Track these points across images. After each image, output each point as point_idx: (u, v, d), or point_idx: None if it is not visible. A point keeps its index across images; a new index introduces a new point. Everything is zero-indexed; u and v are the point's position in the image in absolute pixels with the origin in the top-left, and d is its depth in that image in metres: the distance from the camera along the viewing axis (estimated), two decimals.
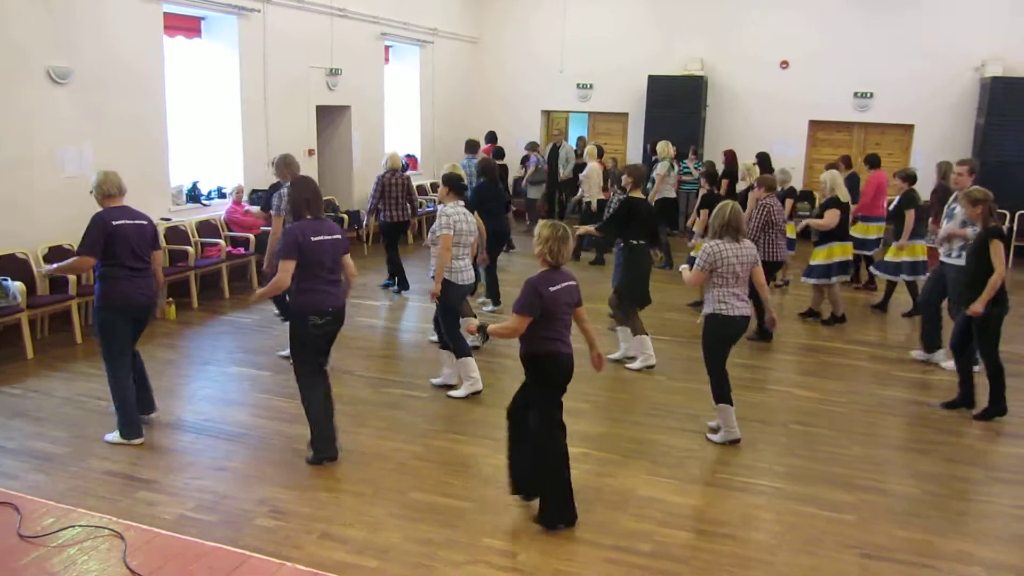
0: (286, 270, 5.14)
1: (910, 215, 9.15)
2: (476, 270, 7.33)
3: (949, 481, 5.58)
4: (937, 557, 4.59)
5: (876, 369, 7.86)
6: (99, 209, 5.62)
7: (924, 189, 9.68)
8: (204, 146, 10.94)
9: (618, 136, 16.68)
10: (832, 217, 9.03)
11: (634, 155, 16.03)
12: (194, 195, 10.45)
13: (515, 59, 17.13)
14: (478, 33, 17.30)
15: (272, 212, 7.63)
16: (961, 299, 6.75)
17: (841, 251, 9.18)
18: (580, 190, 13.03)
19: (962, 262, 7.16)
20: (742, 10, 15.43)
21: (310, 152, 12.34)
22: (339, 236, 5.42)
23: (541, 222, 4.82)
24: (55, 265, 6.19)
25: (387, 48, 14.50)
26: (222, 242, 9.98)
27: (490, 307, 9.40)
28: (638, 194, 7.73)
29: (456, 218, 6.62)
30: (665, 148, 12.80)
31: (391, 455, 5.67)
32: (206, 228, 10.07)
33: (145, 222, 5.75)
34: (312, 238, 5.22)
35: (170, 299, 9.06)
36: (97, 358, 7.42)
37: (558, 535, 4.68)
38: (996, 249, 6.40)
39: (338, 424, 5.64)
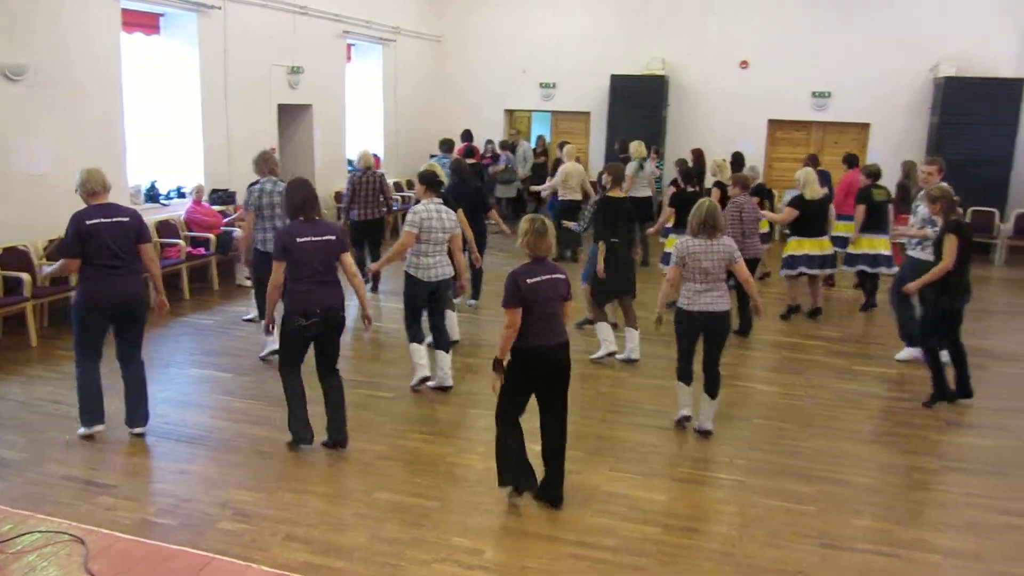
0: (277, 271, 5.39)
1: (859, 210, 9.50)
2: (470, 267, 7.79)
3: (907, 472, 5.70)
4: (896, 545, 4.69)
5: (837, 364, 7.99)
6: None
7: (889, 186, 9.91)
8: (163, 145, 10.78)
9: (581, 135, 16.74)
10: (788, 214, 9.29)
11: (596, 154, 16.11)
12: (153, 195, 10.30)
13: (478, 58, 17.13)
14: (441, 32, 17.26)
15: (245, 208, 7.73)
16: (923, 293, 7.00)
17: (812, 245, 9.36)
18: (547, 184, 12.99)
19: (922, 254, 7.52)
20: (703, 11, 15.57)
21: (272, 151, 12.22)
22: (332, 237, 5.51)
23: (524, 217, 4.97)
24: (49, 268, 6.18)
25: (349, 46, 14.42)
26: (182, 242, 9.85)
27: (471, 300, 9.54)
28: (617, 193, 7.86)
29: (424, 215, 6.61)
30: (638, 148, 12.85)
31: (356, 456, 5.65)
32: (165, 228, 9.92)
33: (127, 218, 5.69)
34: (298, 239, 5.35)
35: None
36: (54, 360, 7.37)
37: (525, 534, 4.70)
38: (949, 242, 6.67)
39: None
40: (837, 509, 5.10)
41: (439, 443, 5.93)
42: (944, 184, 7.18)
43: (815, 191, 9.34)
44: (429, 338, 7.07)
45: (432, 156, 14.84)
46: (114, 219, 5.60)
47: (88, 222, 5.47)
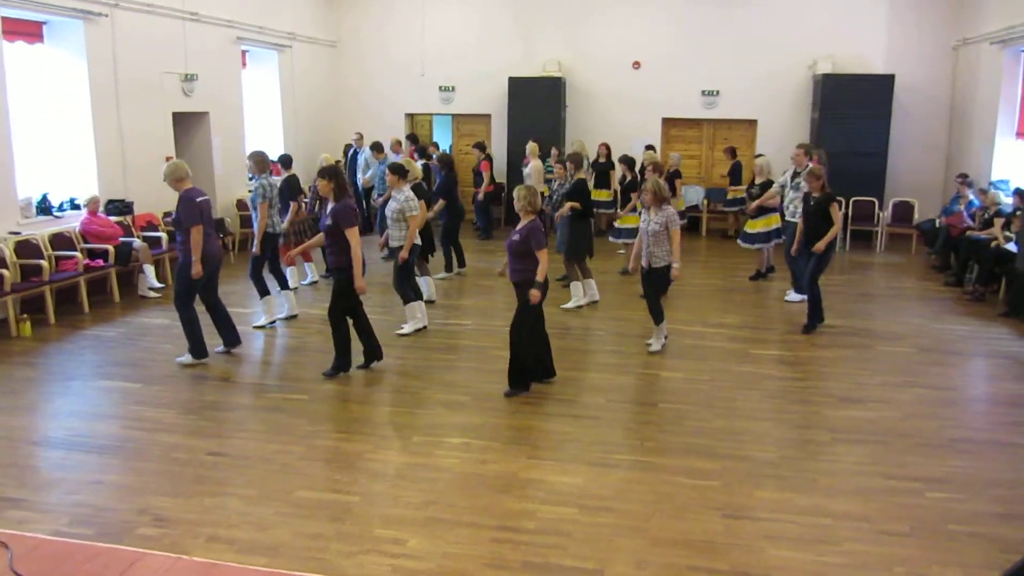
0: (355, 234, 7.06)
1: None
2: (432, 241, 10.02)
3: (801, 445, 6.07)
4: (793, 512, 5.01)
5: (734, 348, 8.39)
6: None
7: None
8: (53, 156, 10.42)
9: (483, 137, 16.91)
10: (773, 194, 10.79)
11: (499, 155, 16.32)
12: (45, 207, 9.96)
13: (375, 63, 17.12)
14: (336, 37, 17.19)
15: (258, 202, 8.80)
16: (803, 247, 9.10)
17: (773, 221, 11.06)
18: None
19: (795, 220, 9.71)
20: (596, 13, 15.99)
21: (168, 159, 11.92)
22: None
23: (519, 186, 6.91)
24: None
25: (244, 53, 14.22)
26: (79, 255, 9.57)
27: (442, 274, 11.26)
28: (581, 175, 10.14)
29: (413, 200, 8.51)
30: (534, 148, 14.03)
31: (275, 457, 5.67)
32: (60, 241, 9.63)
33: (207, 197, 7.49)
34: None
35: (24, 316, 8.63)
36: None
37: (447, 522, 4.82)
38: (835, 210, 8.70)
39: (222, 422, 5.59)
40: (739, 483, 5.41)
41: (356, 441, 6.00)
42: (819, 166, 9.22)
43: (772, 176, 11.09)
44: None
45: (337, 161, 15.24)
46: (206, 197, 7.43)
47: (198, 199, 7.26)
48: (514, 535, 4.70)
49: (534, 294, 6.63)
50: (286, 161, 11.37)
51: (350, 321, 7.31)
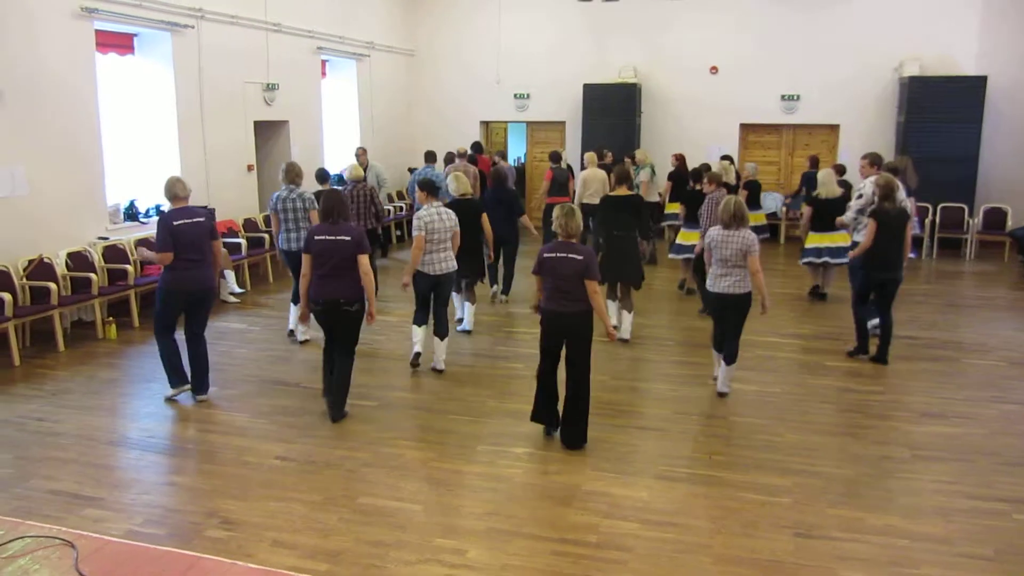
0: (305, 263, 6.39)
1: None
2: (484, 264, 9.18)
3: (878, 462, 5.84)
4: (868, 532, 4.83)
5: (808, 360, 8.15)
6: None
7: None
8: (141, 164, 10.83)
9: (557, 144, 16.88)
10: (807, 211, 10.30)
11: (573, 162, 16.23)
12: (132, 213, 10.35)
13: (452, 71, 17.28)
14: (414, 46, 17.41)
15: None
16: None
17: (822, 239, 10.24)
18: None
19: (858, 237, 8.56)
20: (672, 18, 15.82)
21: (249, 168, 12.31)
22: (347, 238, 6.32)
23: (556, 205, 6.08)
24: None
25: (323, 62, 14.53)
26: None
27: (502, 294, 10.53)
28: (623, 191, 8.62)
29: (427, 219, 7.42)
30: (645, 155, 13.83)
31: (340, 463, 5.74)
32: (145, 246, 9.96)
33: (203, 218, 6.79)
34: (316, 237, 6.37)
35: (110, 318, 8.97)
36: (36, 379, 7.45)
37: (507, 533, 4.80)
38: (870, 226, 7.76)
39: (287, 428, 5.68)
40: (811, 500, 5.24)
41: (421, 449, 6.03)
42: (888, 175, 8.09)
43: (831, 191, 10.05)
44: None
45: (412, 169, 15.38)
46: (193, 220, 6.66)
47: (175, 223, 6.54)
48: (575, 548, 4.64)
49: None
50: (322, 176, 10.83)
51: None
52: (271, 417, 6.60)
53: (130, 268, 9.36)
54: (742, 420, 6.64)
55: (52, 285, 8.36)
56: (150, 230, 10.25)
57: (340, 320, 6.41)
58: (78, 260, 9.01)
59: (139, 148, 10.83)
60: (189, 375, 6.93)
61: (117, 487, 5.40)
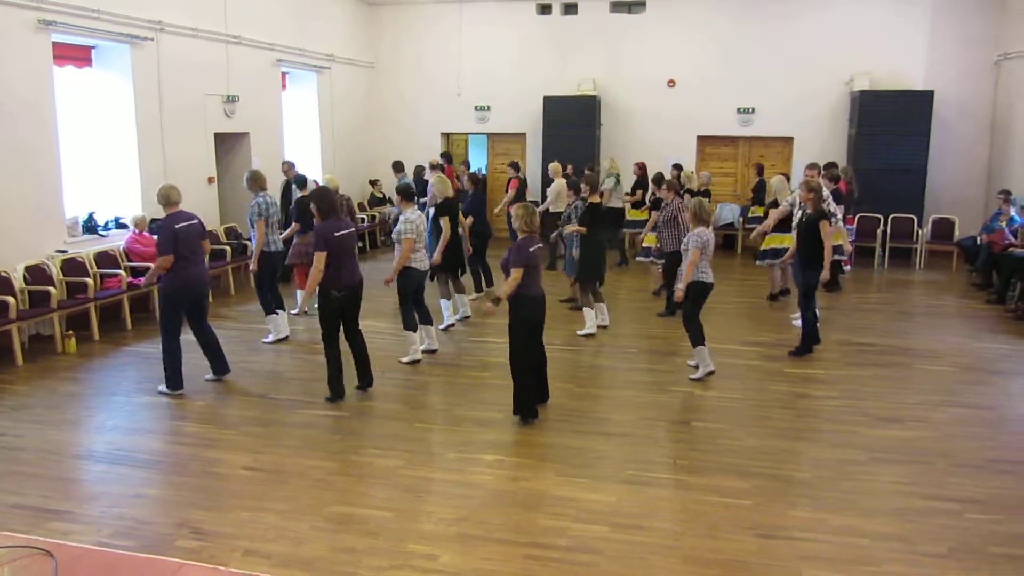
0: (320, 260, 6.89)
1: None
2: (463, 260, 9.94)
3: (836, 464, 6.01)
4: (829, 532, 4.97)
5: (768, 367, 8.34)
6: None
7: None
8: (100, 176, 10.71)
9: (518, 156, 17.02)
10: (774, 215, 10.60)
11: (534, 174, 16.39)
12: (91, 226, 10.23)
13: (412, 83, 17.35)
14: (374, 58, 17.45)
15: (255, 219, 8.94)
16: (796, 266, 8.73)
17: (785, 240, 10.54)
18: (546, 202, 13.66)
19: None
20: (630, 32, 16.08)
21: (210, 180, 12.24)
22: (354, 230, 7.31)
23: (515, 205, 6.78)
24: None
25: (284, 74, 14.50)
26: (123, 272, 9.80)
27: (473, 295, 11.10)
28: (596, 199, 9.50)
29: (418, 222, 8.06)
30: (613, 164, 14.32)
31: (309, 472, 5.75)
32: (105, 259, 9.87)
33: (195, 220, 7.27)
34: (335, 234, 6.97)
35: (70, 332, 8.85)
36: (5, 395, 7.33)
37: (479, 538, 4.86)
38: (824, 228, 8.21)
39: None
40: (773, 502, 5.38)
41: (391, 457, 6.06)
42: (818, 180, 9.01)
43: (786, 196, 10.63)
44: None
45: (374, 181, 15.81)
46: (189, 223, 7.15)
47: (178, 226, 7.04)
48: (546, 552, 4.72)
49: (487, 308, 6.97)
50: (301, 181, 11.15)
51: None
52: (238, 428, 6.59)
53: (90, 281, 9.25)
54: (705, 425, 6.78)
55: (10, 299, 8.24)
56: (110, 243, 10.17)
57: (355, 301, 7.22)
58: (36, 273, 8.89)
59: (98, 161, 10.71)
60: (209, 363, 7.66)
61: (85, 500, 5.35)
